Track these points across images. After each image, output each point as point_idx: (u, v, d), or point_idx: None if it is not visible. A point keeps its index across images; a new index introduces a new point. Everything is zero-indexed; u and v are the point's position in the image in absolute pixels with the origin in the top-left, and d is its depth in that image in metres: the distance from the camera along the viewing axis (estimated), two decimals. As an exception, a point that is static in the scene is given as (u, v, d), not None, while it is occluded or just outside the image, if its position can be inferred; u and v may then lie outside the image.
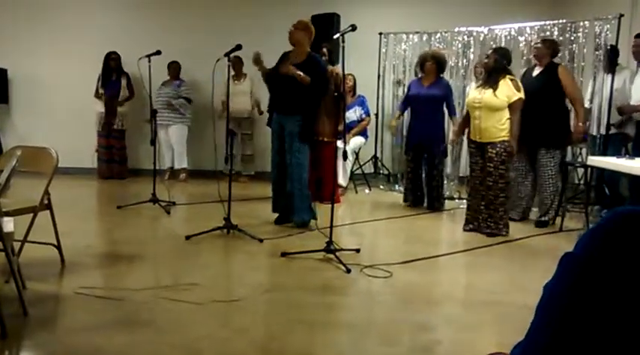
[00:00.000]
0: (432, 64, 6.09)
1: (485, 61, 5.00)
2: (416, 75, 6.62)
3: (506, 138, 4.80)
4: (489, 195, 4.90)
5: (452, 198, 6.70)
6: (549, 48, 5.40)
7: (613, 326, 0.68)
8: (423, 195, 6.32)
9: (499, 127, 4.79)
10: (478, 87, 5.00)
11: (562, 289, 0.74)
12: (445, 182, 6.53)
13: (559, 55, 5.95)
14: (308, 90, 4.82)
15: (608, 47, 5.70)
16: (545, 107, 5.20)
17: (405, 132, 7.14)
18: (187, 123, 7.84)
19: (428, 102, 6.07)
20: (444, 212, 6.11)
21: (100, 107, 7.65)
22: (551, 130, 5.22)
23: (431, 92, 6.08)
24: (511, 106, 4.78)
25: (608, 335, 0.68)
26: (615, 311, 0.68)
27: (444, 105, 6.17)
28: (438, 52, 6.52)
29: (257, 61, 4.88)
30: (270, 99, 5.21)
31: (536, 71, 5.44)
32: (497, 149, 4.79)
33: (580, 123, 5.28)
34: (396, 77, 7.67)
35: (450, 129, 6.34)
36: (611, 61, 5.65)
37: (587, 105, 6.08)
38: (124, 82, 7.70)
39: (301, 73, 4.77)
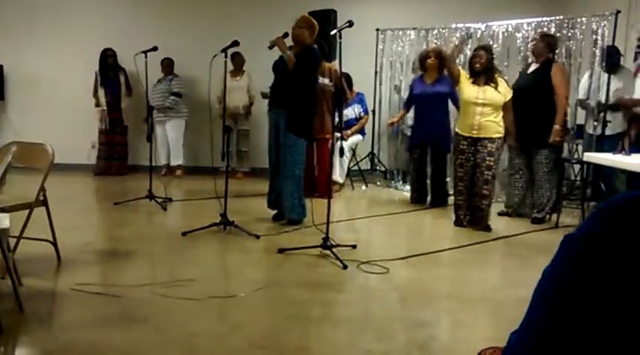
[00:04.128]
0: (434, 60, 6.00)
1: (477, 59, 4.96)
2: (414, 72, 6.57)
3: (501, 135, 4.96)
4: (483, 190, 4.98)
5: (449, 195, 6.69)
6: (546, 45, 5.37)
7: (609, 305, 0.68)
8: (427, 193, 6.30)
9: (497, 123, 4.92)
10: (473, 84, 5.00)
11: (561, 267, 0.74)
12: (449, 179, 6.50)
13: (556, 51, 5.96)
14: (294, 80, 4.77)
15: (605, 47, 5.67)
16: (538, 104, 5.18)
17: (405, 129, 7.13)
18: (184, 117, 7.82)
19: (434, 100, 6.00)
20: (444, 208, 6.08)
21: (102, 105, 7.63)
22: (544, 128, 5.19)
23: (436, 89, 6.00)
24: (507, 104, 4.94)
25: (605, 314, 0.68)
26: (612, 291, 0.68)
27: (448, 101, 6.08)
28: (439, 47, 6.46)
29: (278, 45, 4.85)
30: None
31: (532, 68, 5.43)
32: (496, 144, 4.93)
33: (557, 126, 5.20)
34: (394, 82, 7.61)
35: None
36: (612, 61, 5.62)
37: (581, 96, 6.07)
38: (122, 78, 7.69)
39: (288, 51, 4.75)
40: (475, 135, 4.96)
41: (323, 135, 6.04)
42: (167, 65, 7.68)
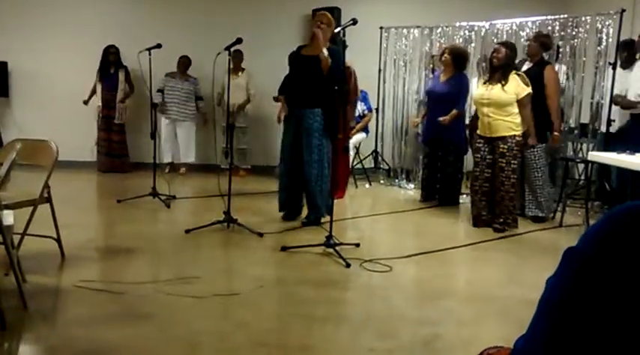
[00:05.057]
0: (448, 56, 5.94)
1: (495, 54, 4.91)
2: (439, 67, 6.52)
3: (517, 133, 4.81)
4: (501, 192, 4.90)
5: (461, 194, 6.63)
6: (540, 44, 5.35)
7: (612, 321, 0.68)
8: (436, 191, 6.25)
9: (510, 122, 4.80)
10: (485, 83, 4.97)
11: (563, 283, 0.74)
12: (464, 179, 6.43)
13: (560, 50, 5.95)
14: (326, 81, 4.66)
15: (621, 41, 5.61)
16: None
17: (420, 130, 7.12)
18: (196, 118, 7.86)
19: (440, 99, 5.94)
20: (451, 207, 6.03)
21: (97, 101, 7.64)
22: (534, 127, 5.15)
23: (443, 89, 5.94)
24: (520, 102, 4.79)
25: (607, 329, 0.68)
26: (615, 308, 0.68)
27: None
28: (459, 46, 6.40)
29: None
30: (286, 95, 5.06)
31: (525, 66, 5.41)
32: (509, 144, 4.80)
33: (555, 133, 5.20)
34: (397, 80, 7.62)
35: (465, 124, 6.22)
36: (628, 54, 5.58)
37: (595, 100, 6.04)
38: (121, 76, 7.66)
39: (327, 54, 4.64)
40: (488, 135, 4.91)
41: (340, 134, 5.98)
42: (184, 63, 7.68)
